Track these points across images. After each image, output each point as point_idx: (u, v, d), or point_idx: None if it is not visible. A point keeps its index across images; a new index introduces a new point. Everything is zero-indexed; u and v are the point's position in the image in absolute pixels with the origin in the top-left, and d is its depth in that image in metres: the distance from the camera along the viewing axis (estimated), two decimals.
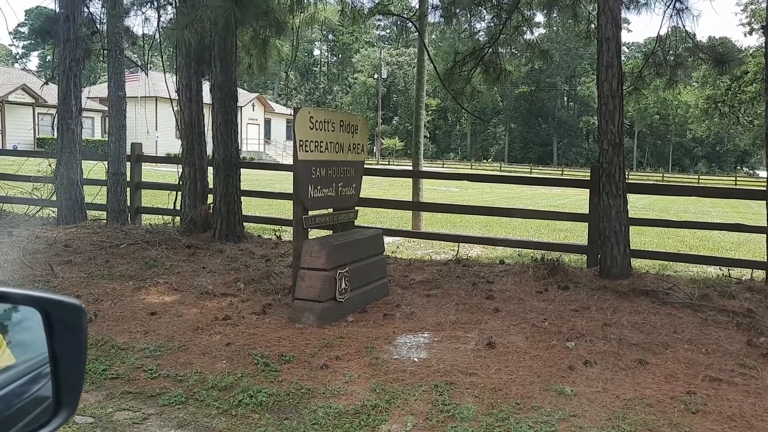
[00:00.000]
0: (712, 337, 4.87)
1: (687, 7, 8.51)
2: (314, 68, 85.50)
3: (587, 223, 7.75)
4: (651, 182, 36.22)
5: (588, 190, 7.65)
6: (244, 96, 44.17)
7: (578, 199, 19.12)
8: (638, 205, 21.86)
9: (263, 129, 52.01)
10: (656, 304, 5.77)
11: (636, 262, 7.42)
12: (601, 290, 6.20)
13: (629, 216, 7.02)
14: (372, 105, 73.58)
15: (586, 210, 7.78)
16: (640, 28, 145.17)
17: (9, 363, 0.76)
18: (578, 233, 11.41)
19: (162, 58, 9.20)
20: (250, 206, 8.87)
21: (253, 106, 50.00)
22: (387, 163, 57.83)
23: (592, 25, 9.58)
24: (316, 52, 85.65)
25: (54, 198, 9.33)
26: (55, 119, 9.15)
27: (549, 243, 8.69)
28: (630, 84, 9.00)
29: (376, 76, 71.44)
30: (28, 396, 0.77)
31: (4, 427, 0.72)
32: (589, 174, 7.67)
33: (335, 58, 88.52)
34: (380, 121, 63.08)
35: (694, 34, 8.99)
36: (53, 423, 0.74)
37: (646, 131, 78.19)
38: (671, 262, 8.36)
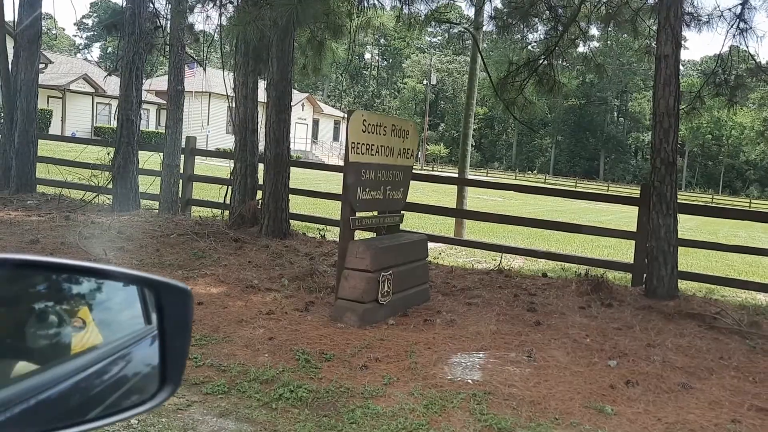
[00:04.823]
0: (760, 366, 4.74)
1: (751, 27, 8.31)
2: (364, 71, 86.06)
3: (633, 241, 7.63)
4: (701, 203, 35.21)
5: (636, 208, 7.54)
6: (294, 95, 44.60)
7: (623, 216, 18.74)
8: (686, 226, 21.29)
9: (311, 129, 52.62)
10: (703, 328, 5.64)
11: (682, 284, 7.27)
12: (646, 310, 6.10)
13: (678, 236, 6.89)
14: (419, 110, 73.63)
15: (631, 227, 7.66)
16: (697, 46, 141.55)
17: (97, 342, 0.81)
18: (622, 250, 11.21)
19: (221, 55, 9.43)
20: (295, 204, 9.02)
21: (303, 105, 50.64)
22: (431, 169, 57.79)
23: (650, 41, 9.43)
24: (367, 55, 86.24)
25: (110, 186, 9.66)
26: (116, 110, 9.48)
27: (593, 259, 8.56)
28: (687, 103, 8.82)
29: (425, 82, 71.47)
30: (116, 374, 0.82)
31: (96, 404, 0.78)
32: (637, 191, 7.57)
33: (386, 62, 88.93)
34: (426, 126, 63.08)
35: (756, 55, 8.77)
36: (159, 397, 0.80)
37: (697, 151, 76.07)
38: (719, 286, 8.15)
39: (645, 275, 6.93)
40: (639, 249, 7.40)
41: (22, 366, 0.72)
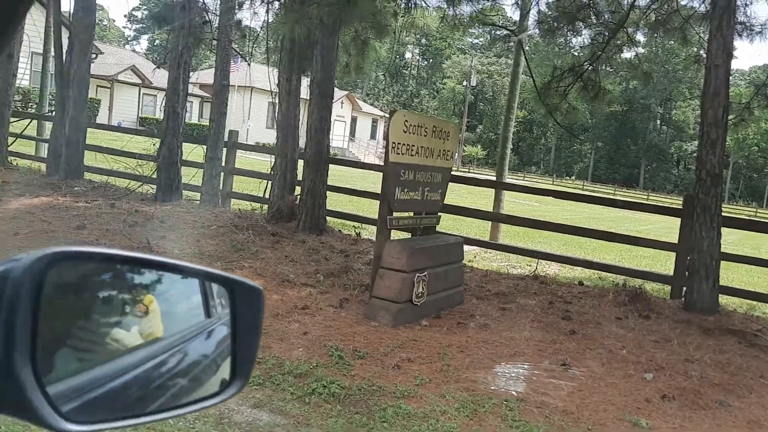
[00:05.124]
0: None
1: None
2: (404, 71, 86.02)
3: (674, 253, 7.49)
4: (744, 217, 34.17)
5: (677, 219, 7.40)
6: (334, 93, 44.96)
7: (662, 227, 18.35)
8: (728, 239, 20.70)
9: (349, 126, 52.84)
10: (743, 345, 5.51)
11: (722, 299, 7.11)
12: (685, 324, 5.99)
13: (720, 250, 6.74)
14: (458, 111, 73.24)
15: (671, 238, 7.52)
16: (746, 55, 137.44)
17: (158, 334, 0.83)
18: (661, 261, 11.00)
19: (267, 51, 9.57)
20: (331, 201, 9.10)
21: (342, 103, 50.88)
22: (467, 170, 57.48)
23: (699, 50, 9.24)
24: (408, 55, 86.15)
25: (154, 176, 9.89)
26: (163, 102, 9.70)
27: (631, 269, 8.42)
28: (735, 114, 8.61)
29: (465, 83, 71.09)
30: (179, 366, 0.86)
31: (162, 395, 0.81)
32: (678, 201, 7.43)
33: (426, 62, 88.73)
34: (464, 128, 62.73)
35: None
36: (228, 391, 0.83)
37: (742, 163, 73.89)
38: (761, 303, 7.94)
39: (685, 288, 6.81)
40: (679, 261, 7.26)
41: (89, 355, 0.74)
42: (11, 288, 0.61)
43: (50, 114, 13.25)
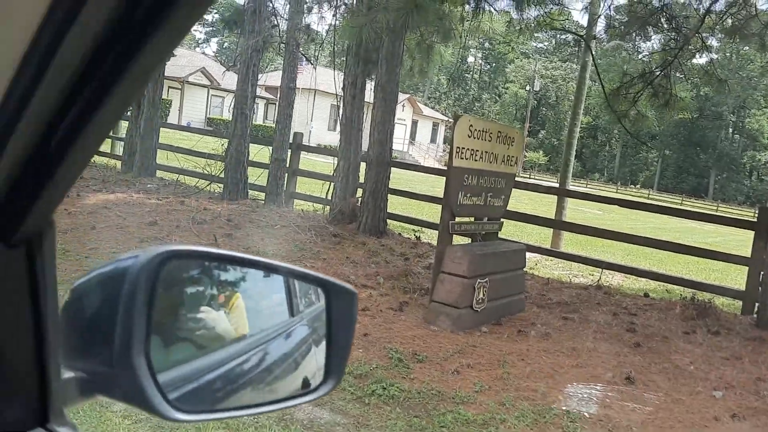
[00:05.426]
0: None
1: None
2: (466, 74, 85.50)
3: (746, 267, 7.19)
4: None
5: (750, 232, 7.10)
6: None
7: (732, 239, 17.57)
8: None
9: (409, 129, 52.92)
10: None
11: None
12: (757, 341, 5.74)
13: None
14: (519, 116, 72.21)
15: (742, 251, 7.23)
16: None
17: (245, 332, 0.85)
18: (732, 276, 10.56)
19: (333, 55, 9.74)
20: (391, 204, 9.17)
21: (403, 106, 50.98)
22: (528, 176, 56.60)
23: None
24: (470, 59, 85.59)
25: (222, 175, 10.21)
26: (232, 104, 10.00)
27: (700, 282, 8.12)
28: None
29: (527, 87, 70.07)
30: (269, 361, 0.89)
31: (251, 391, 0.84)
32: (750, 213, 7.14)
33: (488, 66, 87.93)
34: (526, 133, 61.82)
35: None
36: (322, 389, 0.87)
37: None
38: None
39: (757, 304, 6.53)
40: (752, 276, 6.96)
41: (189, 348, 0.77)
42: (129, 283, 0.66)
43: (126, 113, 13.85)
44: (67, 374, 0.66)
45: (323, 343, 0.93)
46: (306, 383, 0.91)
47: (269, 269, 0.88)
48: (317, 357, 0.94)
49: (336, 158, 9.36)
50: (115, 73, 0.51)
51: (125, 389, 0.66)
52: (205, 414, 0.81)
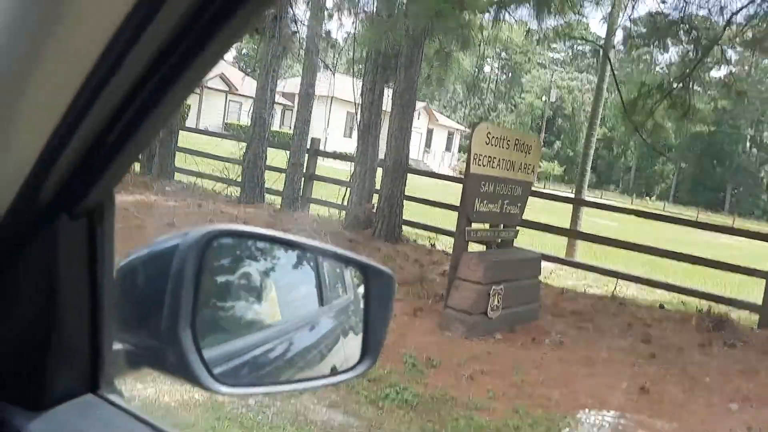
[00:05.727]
0: None
1: None
2: (482, 83, 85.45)
3: (763, 280, 7.14)
4: None
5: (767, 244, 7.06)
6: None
7: (749, 253, 17.38)
8: None
9: (424, 138, 52.94)
10: None
11: None
12: None
13: None
14: (535, 127, 71.95)
15: (759, 265, 7.18)
16: None
17: (279, 317, 0.88)
18: (748, 288, 10.46)
19: (352, 62, 9.81)
20: (406, 210, 9.19)
21: (419, 114, 51.03)
22: (542, 187, 56.33)
23: None
24: (486, 68, 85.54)
25: (239, 179, 10.29)
26: (251, 109, 10.11)
27: (717, 295, 8.05)
28: None
29: (543, 98, 69.89)
30: (300, 345, 0.93)
31: (291, 369, 0.87)
32: (767, 228, 7.08)
33: (504, 76, 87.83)
34: (542, 143, 61.65)
35: None
36: (358, 368, 0.90)
37: None
38: None
39: None
40: None
41: (233, 325, 0.80)
42: (179, 259, 0.68)
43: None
44: (117, 346, 0.69)
45: (351, 334, 0.97)
46: (335, 369, 0.94)
47: (315, 251, 0.90)
48: (345, 347, 0.96)
49: (353, 164, 9.41)
50: (175, 74, 0.55)
51: (172, 363, 0.68)
52: (247, 387, 0.84)
